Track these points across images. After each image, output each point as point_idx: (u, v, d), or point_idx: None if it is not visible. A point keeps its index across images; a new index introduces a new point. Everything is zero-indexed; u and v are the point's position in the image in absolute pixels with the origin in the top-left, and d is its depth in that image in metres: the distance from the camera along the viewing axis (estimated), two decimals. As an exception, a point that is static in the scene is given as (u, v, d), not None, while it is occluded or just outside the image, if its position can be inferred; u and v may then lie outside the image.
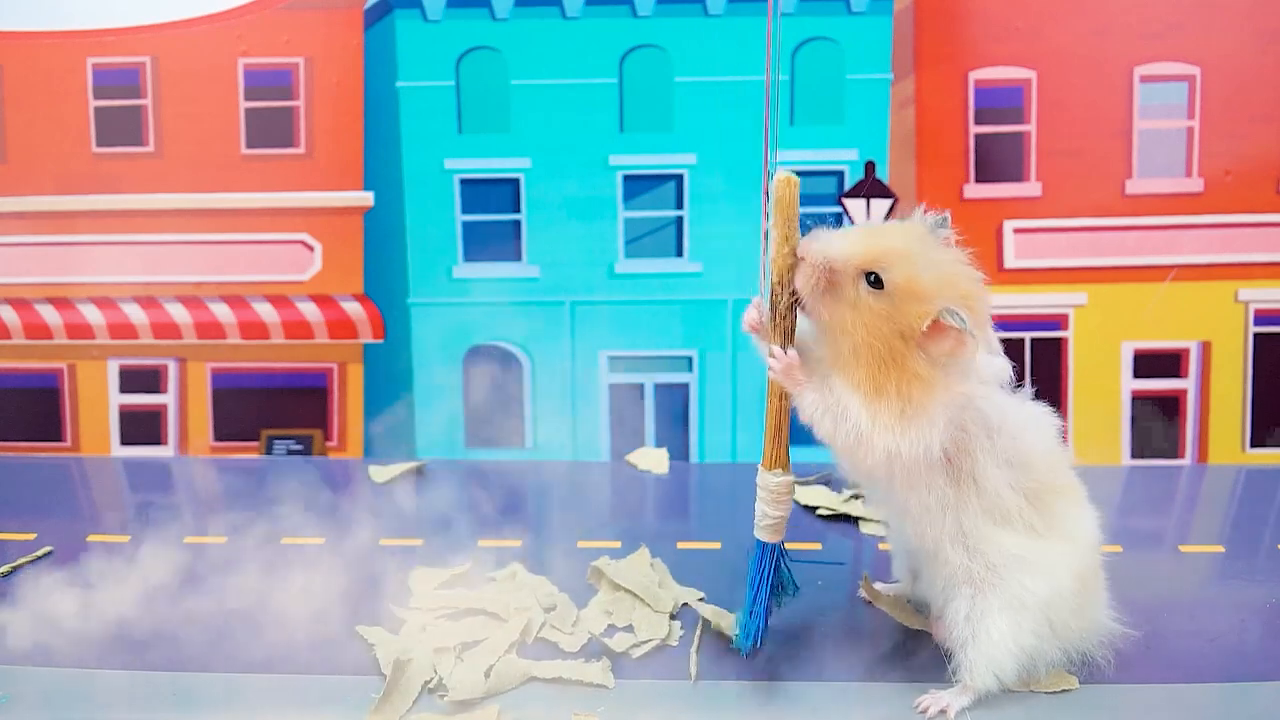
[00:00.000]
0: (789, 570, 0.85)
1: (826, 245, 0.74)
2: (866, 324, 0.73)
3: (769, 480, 0.81)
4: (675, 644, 0.85)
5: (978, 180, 1.33)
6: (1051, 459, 0.78)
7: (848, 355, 0.74)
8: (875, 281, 0.73)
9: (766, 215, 0.77)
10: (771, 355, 0.77)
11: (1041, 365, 1.34)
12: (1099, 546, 0.80)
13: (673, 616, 0.88)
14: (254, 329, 1.38)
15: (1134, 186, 1.32)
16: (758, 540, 0.83)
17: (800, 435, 0.80)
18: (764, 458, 0.82)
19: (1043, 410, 0.79)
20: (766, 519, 0.82)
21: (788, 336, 0.77)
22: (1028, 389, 0.79)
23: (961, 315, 0.71)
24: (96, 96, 1.37)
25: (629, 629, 0.87)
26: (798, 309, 0.76)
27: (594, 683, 0.79)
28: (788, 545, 0.84)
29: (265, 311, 1.38)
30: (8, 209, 1.39)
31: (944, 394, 0.73)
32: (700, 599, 0.91)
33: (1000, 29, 1.31)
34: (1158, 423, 1.34)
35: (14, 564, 1.00)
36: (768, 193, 0.76)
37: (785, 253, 0.75)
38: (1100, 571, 0.81)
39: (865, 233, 0.75)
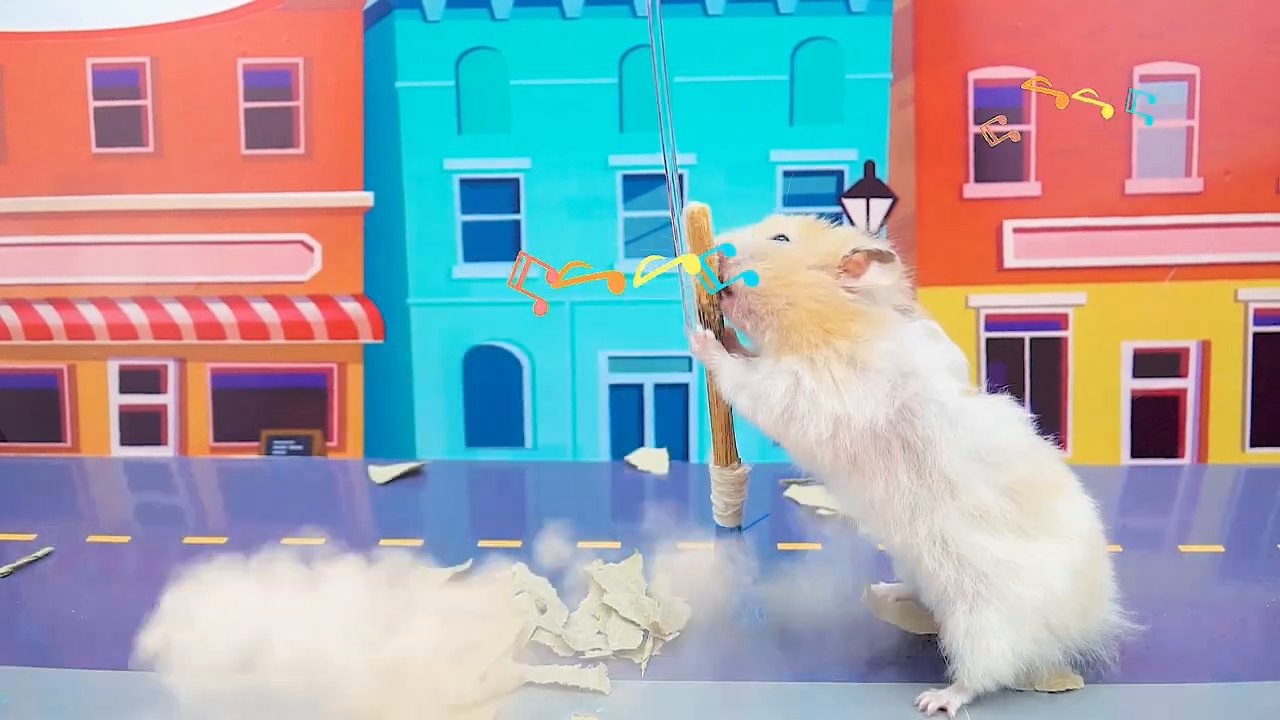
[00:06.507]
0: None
1: (729, 238, 0.80)
2: (784, 264, 0.75)
3: (728, 475, 0.86)
4: (643, 661, 0.82)
5: (977, 180, 1.33)
6: (1029, 452, 0.75)
7: (783, 309, 0.75)
8: (779, 238, 0.77)
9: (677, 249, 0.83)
10: (689, 335, 0.82)
11: (1041, 365, 1.34)
12: (1098, 538, 0.78)
13: (649, 632, 0.86)
14: (254, 329, 1.38)
15: (1134, 186, 1.32)
16: (726, 529, 0.87)
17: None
18: (715, 455, 0.86)
19: (1006, 402, 0.77)
20: (730, 508, 0.87)
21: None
22: (985, 385, 0.78)
23: (874, 242, 0.74)
24: (96, 97, 1.38)
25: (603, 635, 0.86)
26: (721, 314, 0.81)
27: (591, 688, 0.78)
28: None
29: (265, 311, 1.38)
30: (8, 209, 1.39)
31: (891, 335, 0.73)
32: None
33: (999, 29, 1.31)
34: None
35: (14, 564, 1.00)
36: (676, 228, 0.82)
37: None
38: (1104, 564, 0.79)
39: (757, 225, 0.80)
